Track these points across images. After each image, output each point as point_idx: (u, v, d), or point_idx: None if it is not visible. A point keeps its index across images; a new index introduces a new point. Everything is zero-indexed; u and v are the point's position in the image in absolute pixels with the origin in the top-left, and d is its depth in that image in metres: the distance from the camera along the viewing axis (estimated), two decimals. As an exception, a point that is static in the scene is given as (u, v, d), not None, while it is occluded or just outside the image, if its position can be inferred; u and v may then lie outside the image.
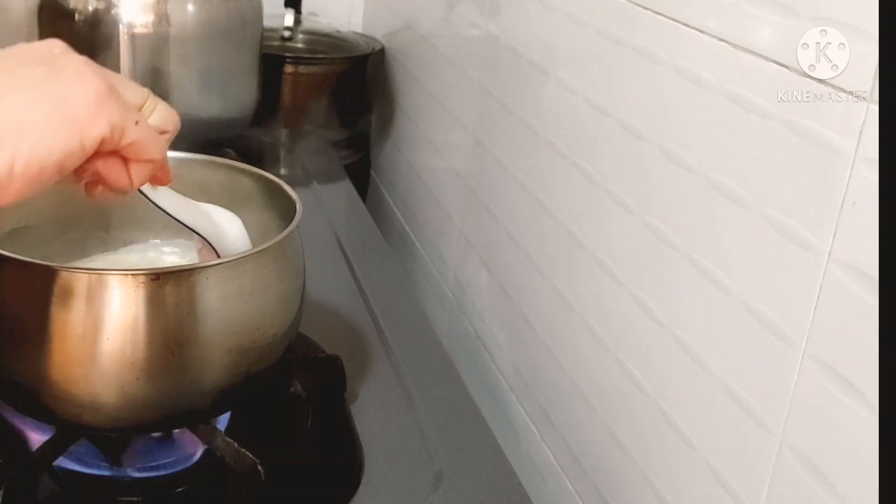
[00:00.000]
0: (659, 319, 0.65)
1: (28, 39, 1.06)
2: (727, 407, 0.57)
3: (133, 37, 0.96)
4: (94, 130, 0.44)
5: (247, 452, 0.59)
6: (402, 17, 1.26)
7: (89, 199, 0.52)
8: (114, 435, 0.61)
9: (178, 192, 0.71)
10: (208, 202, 0.71)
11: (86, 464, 0.61)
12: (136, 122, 0.47)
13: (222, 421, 0.64)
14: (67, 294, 0.54)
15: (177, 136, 0.52)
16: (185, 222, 0.57)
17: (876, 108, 0.46)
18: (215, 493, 0.62)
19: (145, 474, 0.61)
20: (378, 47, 1.30)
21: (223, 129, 1.04)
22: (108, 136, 0.45)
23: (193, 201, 0.59)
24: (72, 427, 0.59)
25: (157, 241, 0.72)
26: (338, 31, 1.34)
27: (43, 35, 0.98)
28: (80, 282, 0.54)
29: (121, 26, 0.95)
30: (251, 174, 0.69)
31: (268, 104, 1.13)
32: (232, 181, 0.70)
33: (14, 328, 0.55)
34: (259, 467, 0.58)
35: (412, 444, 0.66)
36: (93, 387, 0.55)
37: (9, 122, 0.42)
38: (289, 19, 1.29)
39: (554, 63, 0.81)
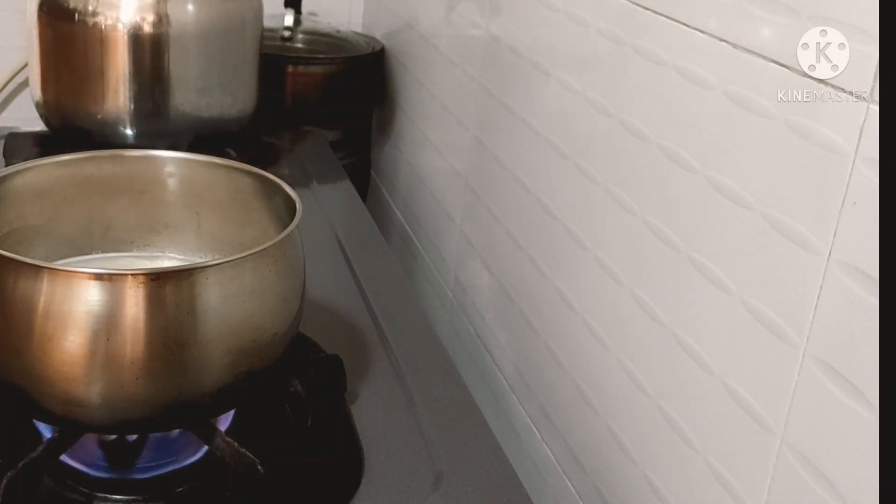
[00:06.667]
0: (659, 319, 0.65)
1: (29, 39, 1.08)
2: (727, 407, 0.57)
3: (133, 37, 0.96)
4: None
5: (247, 452, 0.59)
6: (402, 17, 1.26)
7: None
8: (114, 435, 0.61)
9: (179, 192, 0.72)
10: (208, 202, 0.71)
11: (86, 463, 0.61)
12: None
13: (222, 421, 0.64)
14: (67, 294, 0.54)
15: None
16: None
17: (876, 108, 0.46)
18: (215, 492, 0.62)
19: (145, 474, 0.61)
20: (378, 47, 1.30)
21: (223, 129, 1.04)
22: None
23: None
24: (72, 427, 0.59)
25: (157, 241, 0.72)
26: (338, 31, 1.34)
27: (43, 35, 0.99)
28: (80, 282, 0.54)
29: (121, 26, 0.95)
30: (251, 174, 0.69)
31: (268, 104, 1.13)
32: (232, 181, 0.70)
33: (14, 328, 0.55)
34: (259, 467, 0.58)
35: (412, 444, 0.66)
36: (93, 387, 0.55)
37: None
38: (289, 19, 1.29)
39: (554, 63, 0.81)
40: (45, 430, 0.61)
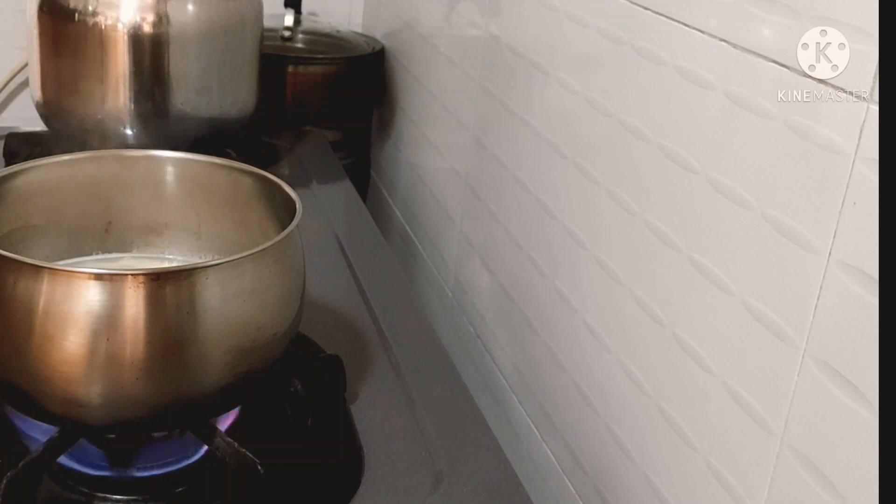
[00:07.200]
0: (659, 319, 0.65)
1: (29, 39, 1.08)
2: (727, 407, 0.57)
3: (133, 37, 0.96)
4: None
5: (247, 452, 0.59)
6: (402, 17, 1.26)
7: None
8: (113, 435, 0.61)
9: (179, 192, 0.72)
10: (208, 202, 0.71)
11: (86, 464, 0.61)
12: None
13: (222, 421, 0.64)
14: (67, 294, 0.54)
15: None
16: None
17: (876, 108, 0.46)
18: (215, 493, 0.62)
19: (145, 474, 0.61)
20: (378, 47, 1.30)
21: (223, 128, 1.04)
22: None
23: None
24: (72, 427, 0.59)
25: (157, 241, 0.73)
26: (338, 31, 1.34)
27: (43, 35, 0.99)
28: (80, 282, 0.54)
29: (120, 26, 0.95)
30: (251, 174, 0.69)
31: (268, 104, 1.13)
32: (232, 181, 0.70)
33: (14, 328, 0.55)
34: (259, 467, 0.58)
35: (412, 444, 0.66)
36: (93, 387, 0.55)
37: None
38: (289, 19, 1.28)
39: (554, 63, 0.81)
40: (38, 434, 0.61)
